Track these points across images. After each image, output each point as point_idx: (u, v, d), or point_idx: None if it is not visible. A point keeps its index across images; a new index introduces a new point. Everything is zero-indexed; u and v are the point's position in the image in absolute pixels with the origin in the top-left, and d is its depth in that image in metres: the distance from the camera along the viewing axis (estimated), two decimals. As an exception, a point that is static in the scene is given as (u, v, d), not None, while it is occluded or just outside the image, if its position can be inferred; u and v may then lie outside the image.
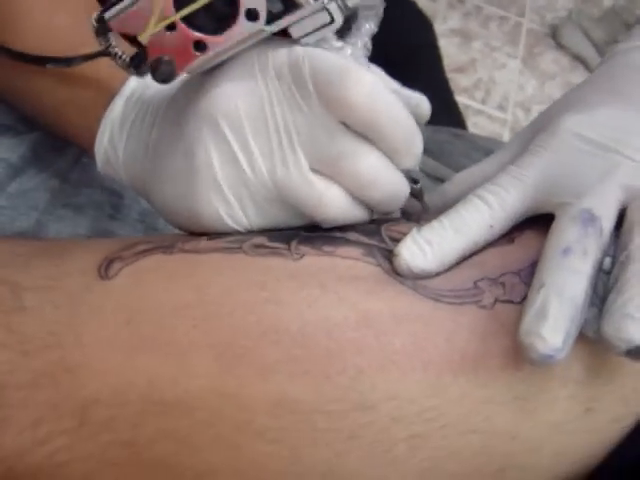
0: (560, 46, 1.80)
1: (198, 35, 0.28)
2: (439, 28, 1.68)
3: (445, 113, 0.74)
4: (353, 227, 0.32)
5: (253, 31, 0.28)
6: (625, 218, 0.29)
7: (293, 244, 0.30)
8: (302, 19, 0.28)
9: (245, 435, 0.27)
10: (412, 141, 0.30)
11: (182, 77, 0.31)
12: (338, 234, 0.31)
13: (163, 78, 0.30)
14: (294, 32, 0.28)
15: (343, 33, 0.29)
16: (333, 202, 0.30)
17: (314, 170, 0.30)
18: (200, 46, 0.29)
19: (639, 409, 0.31)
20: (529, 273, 0.29)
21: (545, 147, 0.31)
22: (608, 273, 0.28)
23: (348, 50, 0.29)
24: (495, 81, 1.69)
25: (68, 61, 0.36)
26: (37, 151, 0.47)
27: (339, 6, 0.27)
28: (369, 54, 0.31)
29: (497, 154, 0.35)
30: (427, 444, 0.27)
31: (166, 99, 0.34)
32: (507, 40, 1.79)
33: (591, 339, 0.27)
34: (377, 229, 0.32)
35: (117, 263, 0.29)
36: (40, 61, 0.37)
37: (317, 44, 0.29)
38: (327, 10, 0.27)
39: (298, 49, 0.29)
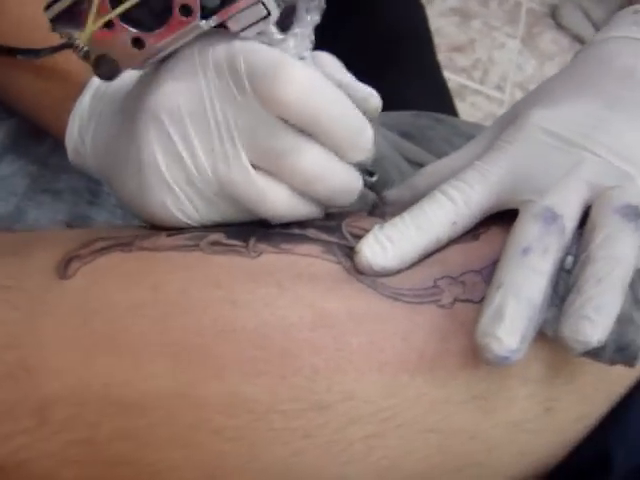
0: (560, 26, 1.77)
1: (134, 32, 0.28)
2: (438, 7, 1.66)
3: (433, 97, 0.73)
4: (312, 223, 0.31)
5: (188, 27, 0.28)
6: (589, 217, 0.28)
7: (251, 242, 0.29)
8: (238, 13, 0.27)
9: (203, 433, 0.27)
10: (358, 135, 0.30)
11: (137, 73, 0.31)
12: (297, 231, 0.31)
13: (106, 75, 0.30)
14: (232, 26, 0.28)
15: (285, 25, 0.29)
16: (277, 199, 0.30)
17: (258, 167, 0.29)
18: (138, 43, 0.29)
19: (601, 409, 0.30)
20: (492, 271, 0.28)
21: (511, 142, 0.30)
22: (570, 272, 0.27)
23: (291, 42, 0.29)
24: (494, 61, 1.67)
25: (37, 52, 0.36)
26: (15, 137, 0.47)
27: None
28: (312, 45, 0.30)
29: (467, 147, 0.34)
30: (383, 443, 0.27)
31: (125, 94, 0.33)
32: (507, 20, 1.76)
33: (551, 338, 0.27)
34: (337, 225, 0.31)
35: (75, 262, 0.29)
36: (10, 52, 0.37)
37: (258, 37, 0.28)
38: (262, 3, 0.27)
39: (236, 44, 0.28)
